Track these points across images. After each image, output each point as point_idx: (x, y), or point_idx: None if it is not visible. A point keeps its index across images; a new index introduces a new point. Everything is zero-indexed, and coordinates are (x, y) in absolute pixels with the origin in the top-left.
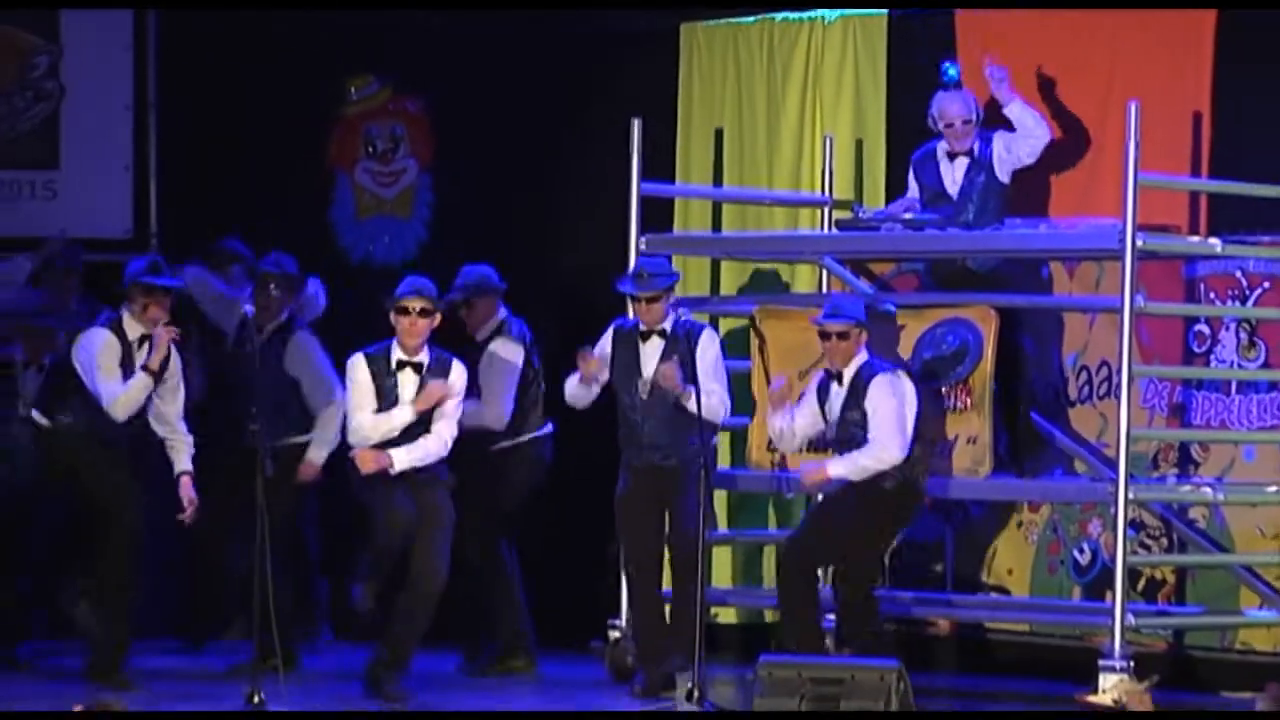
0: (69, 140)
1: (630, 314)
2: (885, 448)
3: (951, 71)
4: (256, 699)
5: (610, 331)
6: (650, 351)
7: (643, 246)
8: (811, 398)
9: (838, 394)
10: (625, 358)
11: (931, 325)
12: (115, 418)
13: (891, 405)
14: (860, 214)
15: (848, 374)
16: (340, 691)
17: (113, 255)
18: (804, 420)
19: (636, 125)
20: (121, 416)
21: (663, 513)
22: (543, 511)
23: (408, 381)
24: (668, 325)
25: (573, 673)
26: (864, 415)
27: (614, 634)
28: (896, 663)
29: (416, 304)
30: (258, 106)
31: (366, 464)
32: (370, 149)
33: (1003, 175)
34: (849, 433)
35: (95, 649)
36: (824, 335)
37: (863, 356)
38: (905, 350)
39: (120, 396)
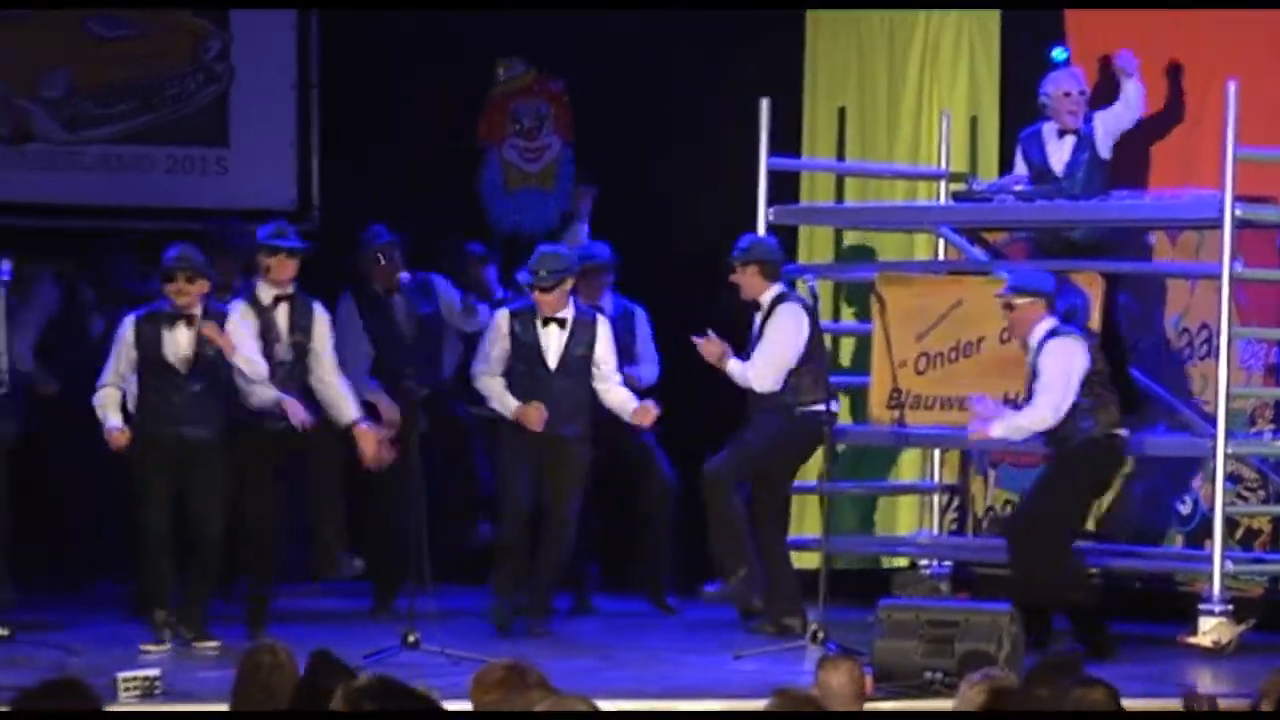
0: (237, 119)
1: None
2: (1038, 409)
3: (1060, 54)
4: (411, 638)
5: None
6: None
7: (770, 218)
8: None
9: (1027, 362)
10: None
11: None
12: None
13: (1055, 367)
14: (974, 186)
15: (1032, 342)
16: (467, 630)
17: None
18: None
19: (765, 104)
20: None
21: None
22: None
23: (550, 336)
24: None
25: (690, 613)
26: (1035, 377)
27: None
28: (1009, 606)
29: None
30: (412, 86)
31: (534, 422)
32: (517, 126)
33: (1104, 151)
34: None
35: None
36: (1007, 305)
37: (1047, 324)
38: None
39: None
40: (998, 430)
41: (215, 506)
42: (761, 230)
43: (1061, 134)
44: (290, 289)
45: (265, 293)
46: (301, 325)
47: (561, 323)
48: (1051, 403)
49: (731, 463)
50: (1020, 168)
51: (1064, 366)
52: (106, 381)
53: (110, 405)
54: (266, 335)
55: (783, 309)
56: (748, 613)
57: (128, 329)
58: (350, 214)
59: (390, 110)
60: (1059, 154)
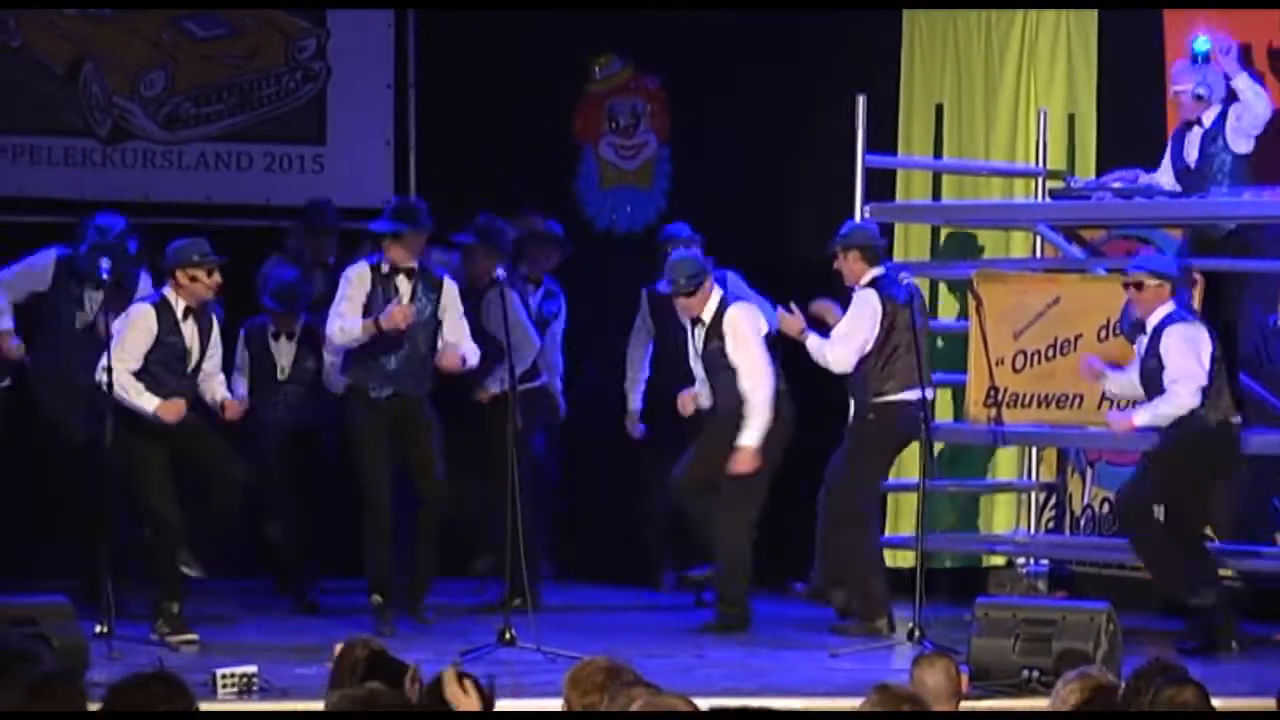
0: (335, 117)
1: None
2: (1179, 394)
3: (1202, 44)
4: (508, 635)
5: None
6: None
7: (867, 215)
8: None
9: (1140, 343)
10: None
11: None
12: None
13: (1186, 351)
14: (1072, 184)
15: (1150, 324)
16: (571, 625)
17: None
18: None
19: (862, 101)
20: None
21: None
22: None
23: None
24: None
25: (780, 611)
26: (1159, 363)
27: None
28: (1107, 604)
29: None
30: (508, 85)
31: (687, 407)
32: (613, 124)
33: (1236, 146)
34: (1148, 380)
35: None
36: (1125, 285)
37: (1167, 308)
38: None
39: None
40: (1141, 419)
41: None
42: None
43: (1189, 126)
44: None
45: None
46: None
47: (700, 322)
48: (1190, 386)
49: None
50: (1165, 164)
51: (1194, 350)
52: (128, 367)
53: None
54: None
55: (860, 293)
56: (839, 612)
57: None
58: (445, 211)
59: (486, 108)
60: (1190, 150)
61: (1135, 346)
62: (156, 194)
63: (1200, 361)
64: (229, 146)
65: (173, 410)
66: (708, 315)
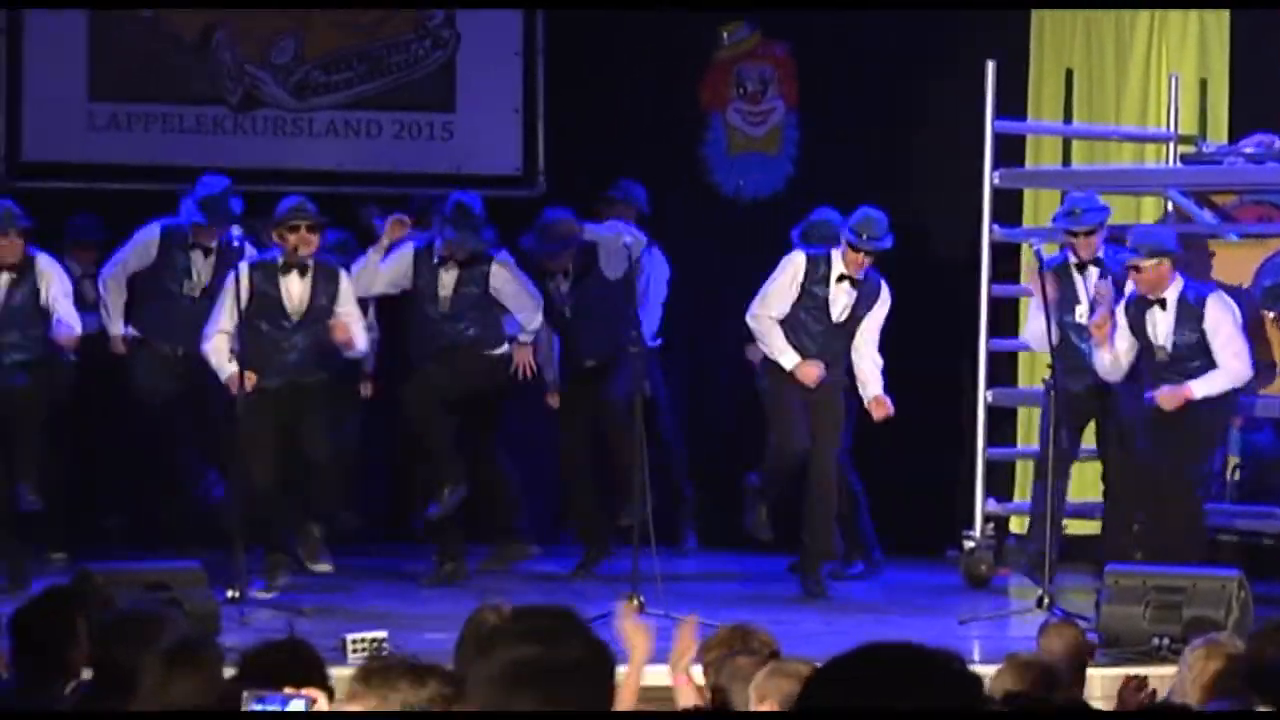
0: (463, 84)
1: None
2: (1235, 366)
3: None
4: (636, 601)
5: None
6: None
7: (996, 181)
8: (1124, 326)
9: (1163, 318)
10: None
11: (1272, 253)
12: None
13: (1233, 321)
14: (1204, 149)
15: (1170, 298)
16: (689, 593)
17: (503, 191)
18: (1124, 347)
19: (991, 66)
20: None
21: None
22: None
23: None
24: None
25: (926, 578)
26: (1203, 335)
27: (968, 543)
28: (1238, 572)
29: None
30: (636, 52)
31: (810, 377)
32: (741, 90)
33: None
34: (1185, 352)
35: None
36: (1134, 268)
37: (1179, 283)
38: (1245, 277)
39: None
40: (1200, 390)
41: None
42: (987, 194)
43: None
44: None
45: None
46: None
47: (855, 282)
48: (1243, 356)
49: None
50: None
51: (1235, 318)
52: (219, 329)
53: (224, 353)
54: None
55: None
56: (976, 579)
57: (242, 275)
58: (573, 178)
59: (615, 75)
60: None
61: (1145, 322)
62: (286, 162)
63: (1241, 329)
64: (358, 114)
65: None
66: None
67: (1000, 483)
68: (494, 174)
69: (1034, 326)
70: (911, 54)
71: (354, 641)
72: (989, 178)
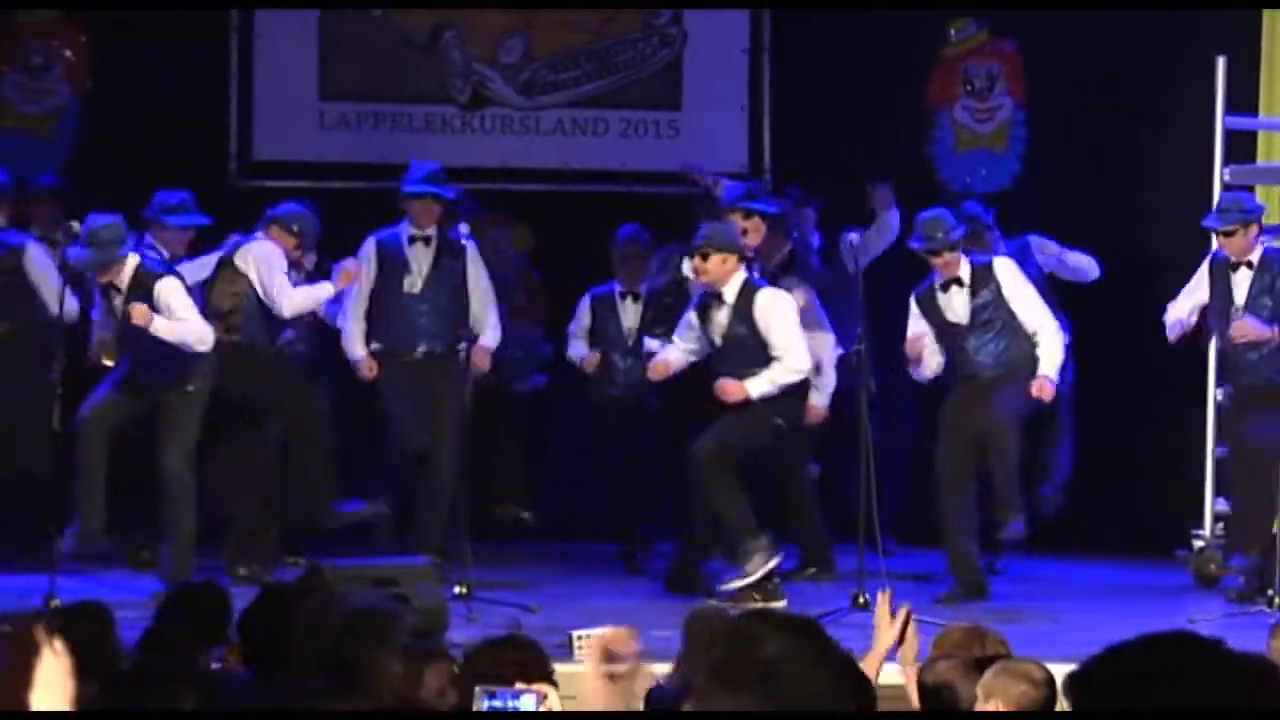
0: (690, 82)
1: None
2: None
3: None
4: (861, 599)
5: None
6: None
7: (1226, 178)
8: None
9: (1243, 278)
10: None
11: None
12: None
13: (788, 316)
14: None
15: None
16: (913, 592)
17: None
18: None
19: (1221, 62)
20: None
21: None
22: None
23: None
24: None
25: (1155, 578)
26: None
27: (1198, 543)
28: None
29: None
30: (863, 49)
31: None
32: (968, 87)
33: None
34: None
35: None
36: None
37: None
38: None
39: None
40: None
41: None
42: (1216, 190)
43: None
44: None
45: None
46: None
47: (961, 282)
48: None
49: None
50: None
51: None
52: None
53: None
54: None
55: None
56: (1206, 578)
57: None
58: (800, 177)
59: (840, 73)
60: None
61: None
62: (514, 160)
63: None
64: (586, 112)
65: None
66: (964, 274)
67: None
68: (720, 171)
69: None
70: (1139, 50)
71: (579, 638)
72: (1219, 174)
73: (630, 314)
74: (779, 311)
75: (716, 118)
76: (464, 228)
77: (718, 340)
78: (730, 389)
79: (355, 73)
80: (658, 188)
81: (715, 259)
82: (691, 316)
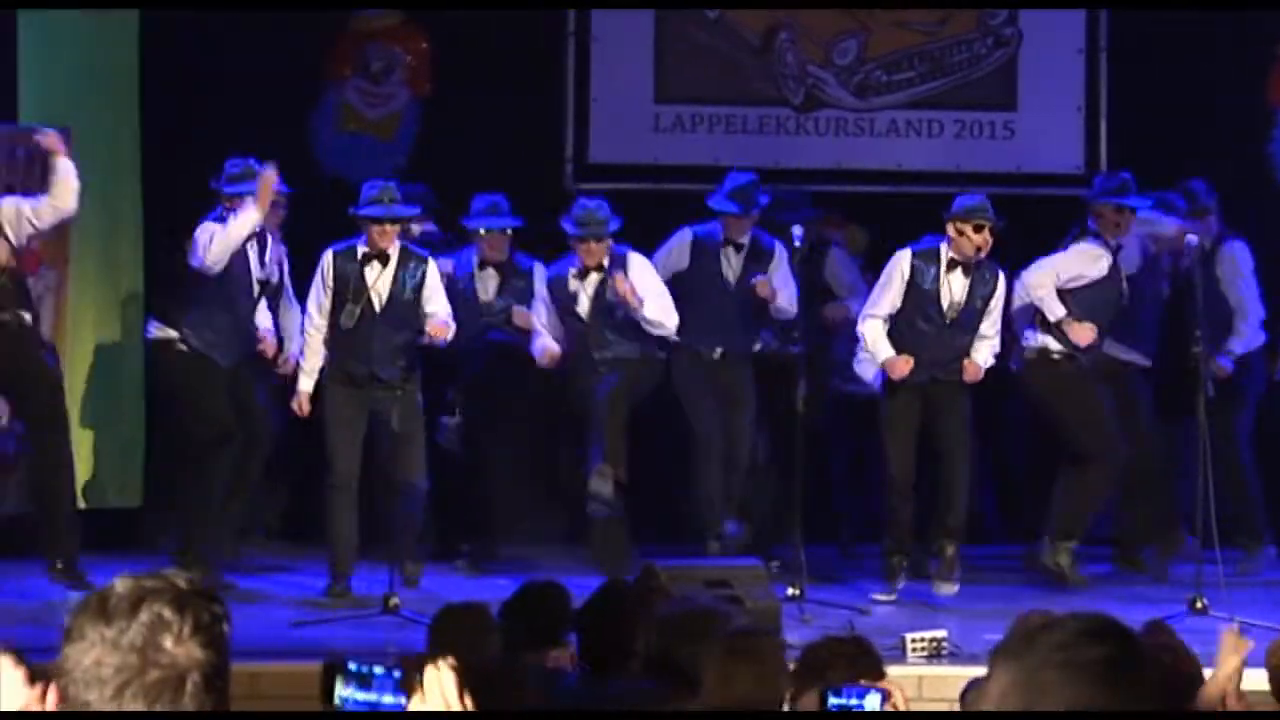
0: (1025, 83)
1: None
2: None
3: None
4: (1200, 604)
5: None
6: None
7: None
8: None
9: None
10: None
11: None
12: None
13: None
14: None
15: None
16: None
17: (1065, 190)
18: None
19: None
20: None
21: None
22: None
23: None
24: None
25: None
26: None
27: None
28: None
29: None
30: (1201, 48)
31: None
32: None
33: None
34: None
35: None
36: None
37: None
38: None
39: None
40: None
41: None
42: None
43: None
44: None
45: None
46: None
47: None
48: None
49: None
50: None
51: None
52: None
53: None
54: None
55: None
56: None
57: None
58: (1137, 178)
59: (1178, 72)
60: None
61: None
62: (848, 161)
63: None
64: (919, 114)
65: None
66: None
67: None
68: (1056, 172)
69: None
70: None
71: (914, 640)
72: None
73: None
74: None
75: (1052, 118)
76: (798, 229)
77: None
78: None
79: (690, 75)
80: (993, 189)
81: None
82: None
